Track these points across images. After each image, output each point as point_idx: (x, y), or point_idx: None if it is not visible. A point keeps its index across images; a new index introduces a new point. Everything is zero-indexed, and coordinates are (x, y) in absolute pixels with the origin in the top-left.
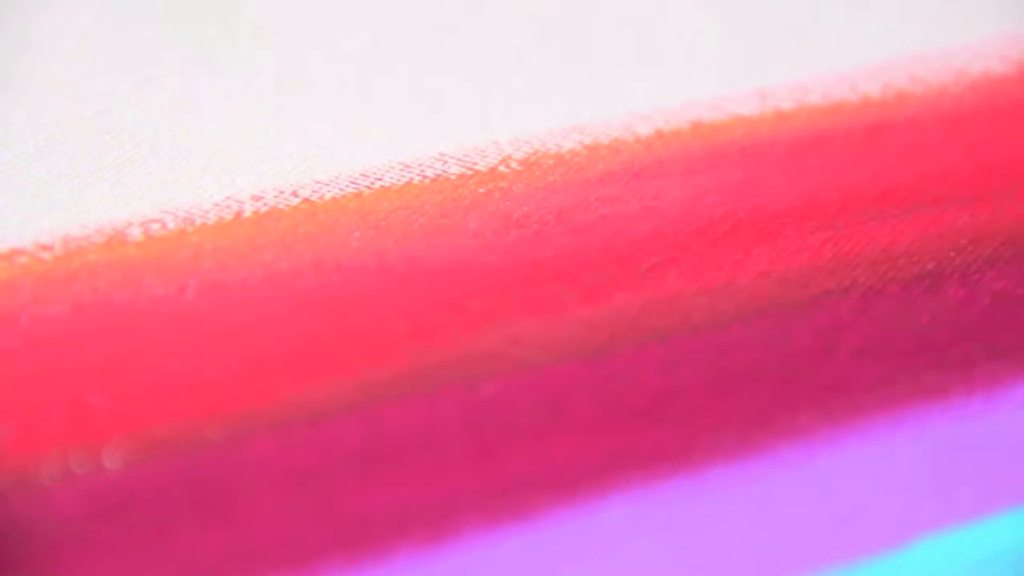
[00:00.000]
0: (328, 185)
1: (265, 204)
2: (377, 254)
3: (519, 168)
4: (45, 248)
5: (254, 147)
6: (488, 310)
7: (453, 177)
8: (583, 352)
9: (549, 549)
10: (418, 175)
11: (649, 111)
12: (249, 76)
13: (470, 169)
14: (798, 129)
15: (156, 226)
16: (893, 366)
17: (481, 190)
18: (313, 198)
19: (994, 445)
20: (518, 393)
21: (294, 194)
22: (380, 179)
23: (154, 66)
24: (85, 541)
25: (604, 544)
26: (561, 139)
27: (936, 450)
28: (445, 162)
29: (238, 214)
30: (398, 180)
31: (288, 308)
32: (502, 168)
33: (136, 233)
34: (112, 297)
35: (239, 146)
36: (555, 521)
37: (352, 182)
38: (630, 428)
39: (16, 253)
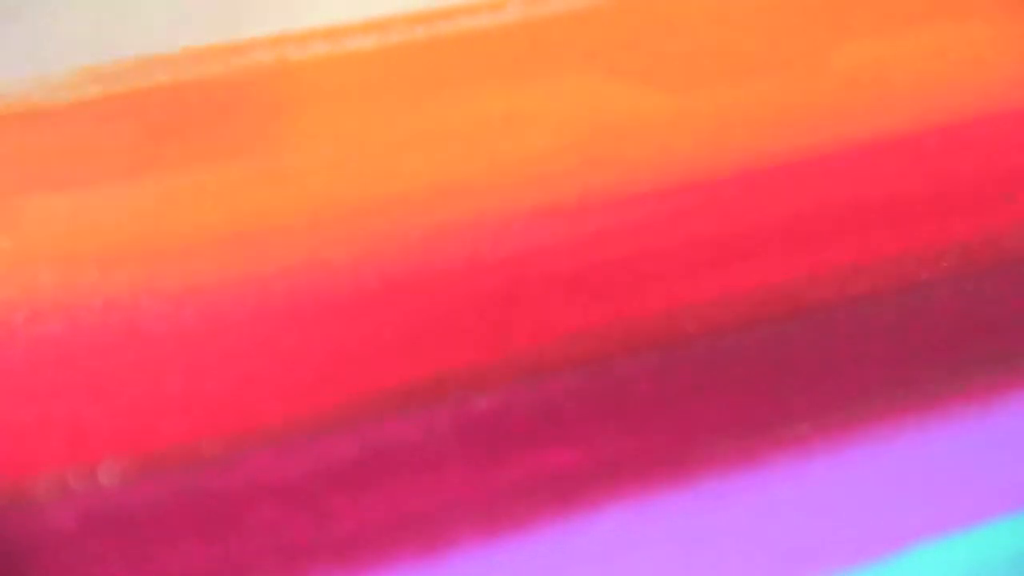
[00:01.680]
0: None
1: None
2: (371, 269)
3: (513, 179)
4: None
5: None
6: (482, 322)
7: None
8: (578, 364)
9: (544, 561)
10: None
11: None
12: None
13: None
14: (794, 138)
15: (151, 240)
16: (889, 375)
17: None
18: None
19: (991, 452)
20: (513, 405)
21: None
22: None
23: None
24: (82, 558)
25: (600, 556)
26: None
27: (933, 457)
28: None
29: (235, 233)
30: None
31: (283, 325)
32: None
33: (133, 250)
34: (108, 315)
35: None
36: (551, 533)
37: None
38: (626, 439)
39: None
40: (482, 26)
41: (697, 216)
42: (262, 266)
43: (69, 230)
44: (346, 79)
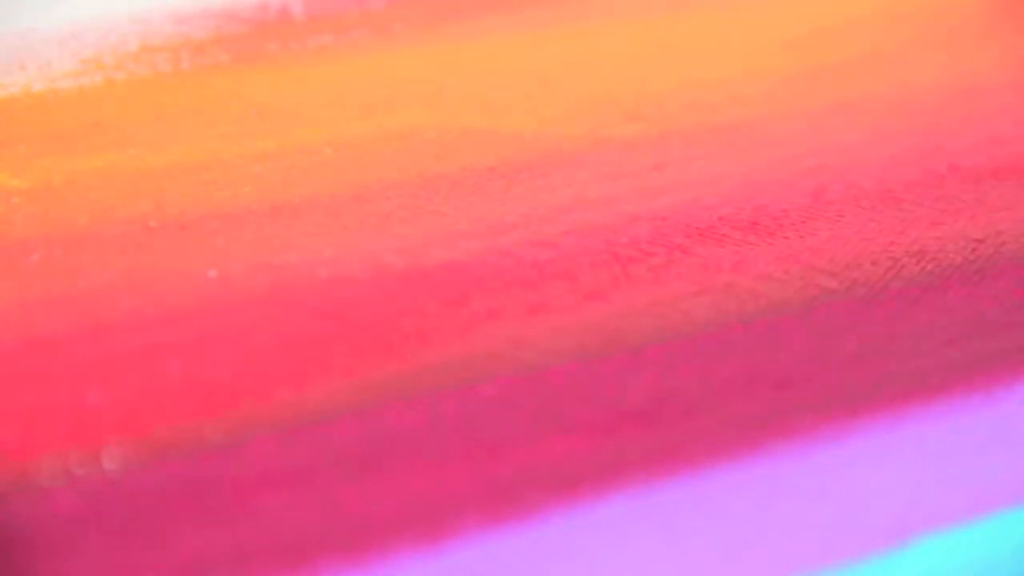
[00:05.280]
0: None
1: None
2: (376, 255)
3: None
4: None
5: None
6: (487, 311)
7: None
8: (582, 353)
9: (548, 548)
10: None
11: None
12: None
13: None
14: (799, 130)
15: (155, 223)
16: (892, 366)
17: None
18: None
19: (993, 444)
20: (517, 394)
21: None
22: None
23: None
24: (85, 543)
25: (603, 544)
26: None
27: (935, 449)
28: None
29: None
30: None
31: (287, 309)
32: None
33: (137, 232)
34: (112, 298)
35: None
36: (554, 521)
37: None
38: (629, 428)
39: None
40: None
41: (702, 204)
42: (268, 250)
43: (66, 214)
44: None
